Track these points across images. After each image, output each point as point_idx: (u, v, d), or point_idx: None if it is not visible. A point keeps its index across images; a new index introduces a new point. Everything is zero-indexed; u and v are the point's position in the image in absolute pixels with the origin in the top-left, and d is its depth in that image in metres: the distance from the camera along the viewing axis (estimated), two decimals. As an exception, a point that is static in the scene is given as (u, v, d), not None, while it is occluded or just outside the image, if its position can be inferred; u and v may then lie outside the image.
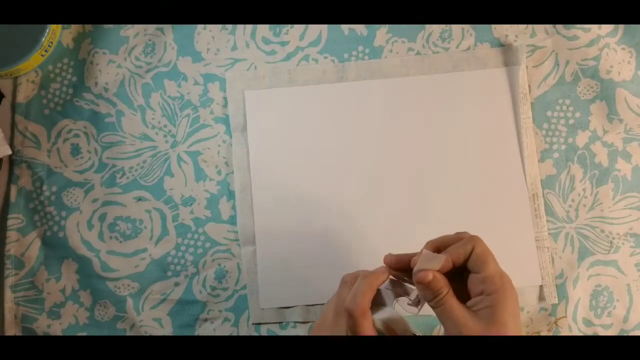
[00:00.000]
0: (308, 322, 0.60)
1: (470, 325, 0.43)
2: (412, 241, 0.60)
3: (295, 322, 0.60)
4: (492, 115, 0.61)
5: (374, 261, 0.60)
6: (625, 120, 0.61)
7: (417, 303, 0.47)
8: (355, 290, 0.45)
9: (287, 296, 0.60)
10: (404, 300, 0.48)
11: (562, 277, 0.59)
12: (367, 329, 0.44)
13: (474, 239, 0.46)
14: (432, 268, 0.44)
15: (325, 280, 0.60)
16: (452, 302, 0.44)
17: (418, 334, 0.47)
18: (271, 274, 0.60)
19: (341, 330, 0.45)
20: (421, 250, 0.46)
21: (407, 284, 0.48)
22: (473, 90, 0.62)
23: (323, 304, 0.59)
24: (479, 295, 0.44)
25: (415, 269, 0.45)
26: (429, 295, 0.45)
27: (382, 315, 0.46)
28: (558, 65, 0.62)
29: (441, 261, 0.44)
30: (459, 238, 0.46)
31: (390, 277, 0.48)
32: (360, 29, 0.63)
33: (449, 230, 0.60)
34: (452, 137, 0.61)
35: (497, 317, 0.43)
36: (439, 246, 0.47)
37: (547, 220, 0.60)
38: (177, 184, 0.62)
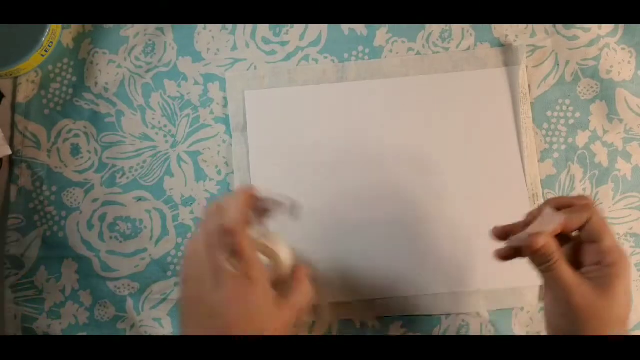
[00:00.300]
0: (310, 323, 0.60)
1: (583, 290, 0.43)
2: (412, 240, 0.60)
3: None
4: (492, 115, 0.61)
5: (374, 261, 0.60)
6: (625, 120, 0.61)
7: (289, 212, 0.47)
8: (231, 208, 0.43)
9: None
10: (275, 213, 0.47)
11: (562, 277, 0.59)
12: (248, 246, 0.42)
13: (593, 209, 0.45)
14: (546, 230, 0.43)
15: (327, 281, 0.59)
16: (564, 267, 0.43)
17: (285, 249, 0.47)
18: (271, 274, 0.60)
19: (220, 263, 0.41)
20: (541, 207, 0.46)
21: (275, 199, 0.47)
22: (473, 90, 0.62)
23: (327, 304, 0.59)
24: (595, 265, 0.43)
25: (530, 230, 0.44)
26: (539, 260, 0.44)
27: (256, 232, 0.46)
28: (558, 65, 0.62)
29: (558, 221, 0.43)
30: (580, 200, 0.46)
31: (257, 195, 0.46)
32: (360, 29, 0.63)
33: (449, 229, 0.60)
34: (452, 137, 0.61)
35: (613, 288, 0.43)
36: (559, 205, 0.46)
37: (547, 220, 0.60)
38: (177, 184, 0.62)
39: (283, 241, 0.47)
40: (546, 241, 0.43)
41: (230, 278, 0.41)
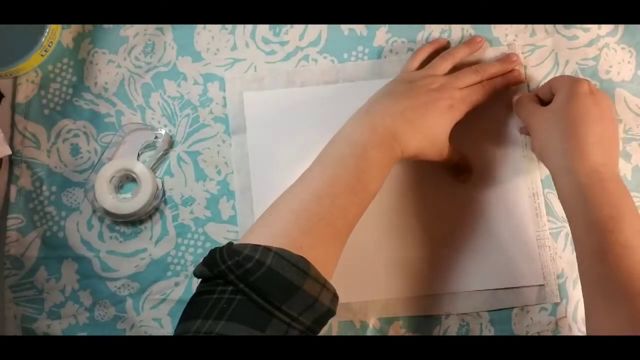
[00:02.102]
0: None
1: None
2: (412, 239, 0.60)
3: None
4: (491, 114, 0.61)
5: (374, 261, 0.60)
6: (624, 120, 0.61)
7: (145, 148, 0.61)
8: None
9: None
10: None
11: (562, 277, 0.59)
12: None
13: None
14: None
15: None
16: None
17: (144, 169, 0.59)
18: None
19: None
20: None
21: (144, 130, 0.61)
22: (473, 90, 0.61)
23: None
24: None
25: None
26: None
27: None
28: (558, 64, 0.62)
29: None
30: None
31: None
32: (360, 29, 0.63)
33: (449, 229, 0.60)
34: (451, 137, 0.61)
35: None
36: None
37: (547, 220, 0.60)
38: (177, 183, 0.62)
39: (151, 175, 0.60)
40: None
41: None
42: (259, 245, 0.44)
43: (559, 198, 0.52)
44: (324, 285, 0.45)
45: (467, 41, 0.61)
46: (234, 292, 0.42)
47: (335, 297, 0.46)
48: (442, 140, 0.55)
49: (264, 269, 0.42)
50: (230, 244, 0.45)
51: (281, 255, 0.43)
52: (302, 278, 0.43)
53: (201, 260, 0.46)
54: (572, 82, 0.53)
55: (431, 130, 0.54)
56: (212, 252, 0.45)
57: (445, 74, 0.58)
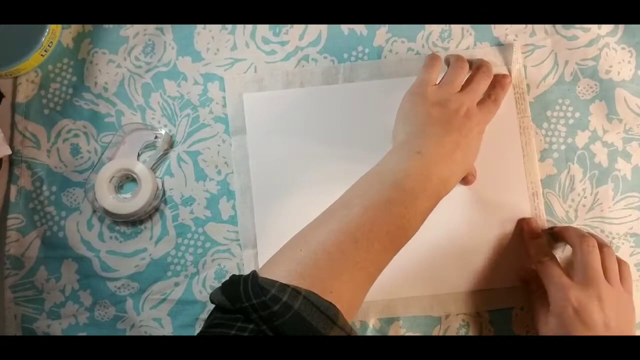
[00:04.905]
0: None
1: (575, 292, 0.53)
2: (414, 240, 0.60)
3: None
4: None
5: (374, 261, 0.60)
6: (624, 120, 0.61)
7: (146, 147, 0.61)
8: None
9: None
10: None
11: (562, 276, 0.59)
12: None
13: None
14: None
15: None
16: (556, 264, 0.55)
17: (145, 169, 0.59)
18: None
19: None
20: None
21: (144, 130, 0.61)
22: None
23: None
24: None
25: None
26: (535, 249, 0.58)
27: None
28: (557, 65, 0.62)
29: None
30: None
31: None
32: (360, 29, 0.63)
33: (449, 229, 0.60)
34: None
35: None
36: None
37: (547, 220, 0.60)
38: (177, 183, 0.62)
39: (151, 175, 0.60)
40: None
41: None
42: (288, 286, 0.41)
43: None
44: (349, 334, 0.42)
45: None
46: (254, 331, 0.40)
47: None
48: (472, 165, 0.57)
49: (291, 314, 0.40)
50: (255, 277, 0.43)
51: (310, 300, 0.41)
52: (330, 327, 0.41)
53: (220, 286, 0.44)
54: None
55: (470, 163, 0.56)
56: (235, 283, 0.43)
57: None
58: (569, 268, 0.56)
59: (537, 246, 0.57)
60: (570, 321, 0.51)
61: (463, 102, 0.54)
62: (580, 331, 0.51)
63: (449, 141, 0.52)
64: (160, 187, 0.61)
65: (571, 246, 0.56)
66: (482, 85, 0.57)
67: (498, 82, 0.59)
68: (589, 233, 0.57)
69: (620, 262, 0.56)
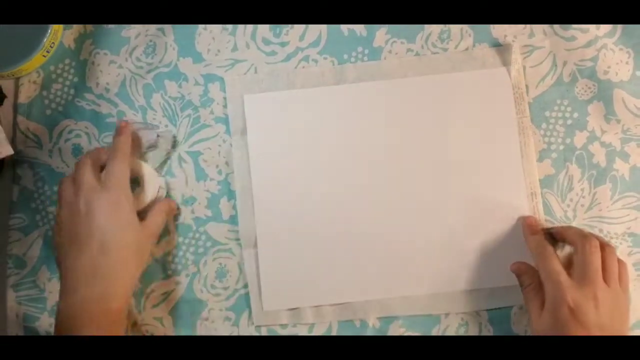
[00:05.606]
0: (311, 323, 0.60)
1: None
2: (413, 239, 0.61)
3: (297, 322, 0.60)
4: (490, 115, 0.61)
5: (375, 261, 0.60)
6: (622, 120, 0.61)
7: (148, 147, 0.62)
8: (118, 144, 0.57)
9: (290, 298, 0.60)
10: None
11: (560, 276, 0.59)
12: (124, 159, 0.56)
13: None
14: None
15: (327, 281, 0.60)
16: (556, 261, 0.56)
17: (155, 180, 0.60)
18: (273, 277, 0.60)
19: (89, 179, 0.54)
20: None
21: (146, 130, 0.62)
22: (472, 91, 0.62)
23: (327, 305, 0.60)
24: None
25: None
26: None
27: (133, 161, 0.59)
28: (556, 65, 0.62)
29: None
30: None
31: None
32: (360, 29, 0.63)
33: (448, 229, 0.60)
34: (451, 137, 0.61)
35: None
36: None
37: (546, 220, 0.60)
38: (178, 183, 0.62)
39: (154, 175, 0.61)
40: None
41: (102, 199, 0.53)
42: None
43: None
44: None
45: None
46: None
47: None
48: None
49: None
50: None
51: None
52: None
53: None
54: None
55: None
56: None
57: None
58: (567, 265, 0.56)
59: (537, 241, 0.58)
60: (565, 319, 0.51)
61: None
62: (574, 330, 0.51)
63: None
64: (163, 186, 0.61)
65: (573, 246, 0.56)
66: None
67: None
68: (591, 233, 0.57)
69: (618, 261, 0.56)
